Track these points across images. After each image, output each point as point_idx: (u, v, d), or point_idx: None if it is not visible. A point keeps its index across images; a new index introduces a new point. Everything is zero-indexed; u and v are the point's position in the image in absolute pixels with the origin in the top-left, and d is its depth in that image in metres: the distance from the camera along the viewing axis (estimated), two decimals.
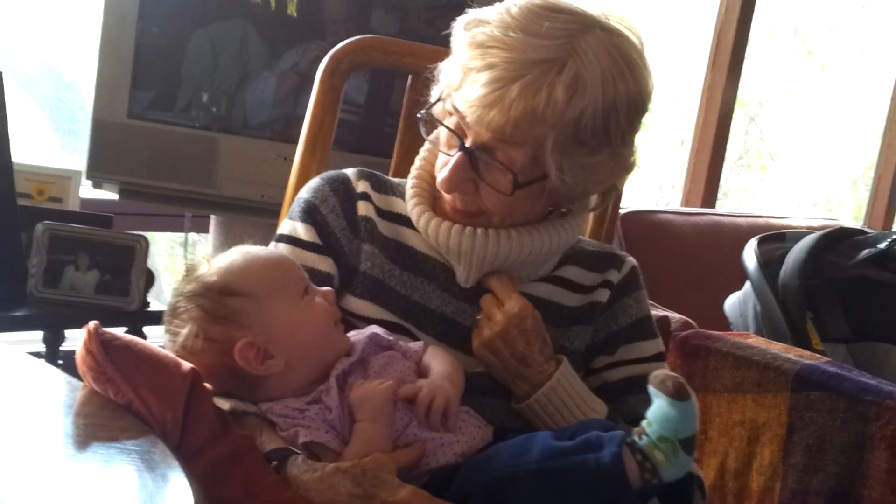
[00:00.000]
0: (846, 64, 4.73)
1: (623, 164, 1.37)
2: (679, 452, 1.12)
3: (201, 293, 1.25)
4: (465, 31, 1.32)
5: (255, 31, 2.15)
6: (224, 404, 1.23)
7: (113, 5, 2.07)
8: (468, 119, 1.29)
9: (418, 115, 1.40)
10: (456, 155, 1.32)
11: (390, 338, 1.33)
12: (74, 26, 2.68)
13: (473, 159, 1.31)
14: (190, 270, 1.30)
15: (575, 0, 1.34)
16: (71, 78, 2.86)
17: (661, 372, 1.15)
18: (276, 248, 1.42)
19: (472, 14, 1.33)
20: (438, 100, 1.37)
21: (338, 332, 1.30)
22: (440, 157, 1.38)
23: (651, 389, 1.14)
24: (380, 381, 1.24)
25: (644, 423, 1.14)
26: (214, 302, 1.25)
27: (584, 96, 1.27)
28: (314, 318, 1.27)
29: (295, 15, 2.16)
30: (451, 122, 1.34)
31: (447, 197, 1.37)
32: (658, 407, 1.13)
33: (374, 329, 1.33)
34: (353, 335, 1.33)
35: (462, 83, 1.30)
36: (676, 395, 1.12)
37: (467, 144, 1.31)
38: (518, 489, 1.16)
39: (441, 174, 1.35)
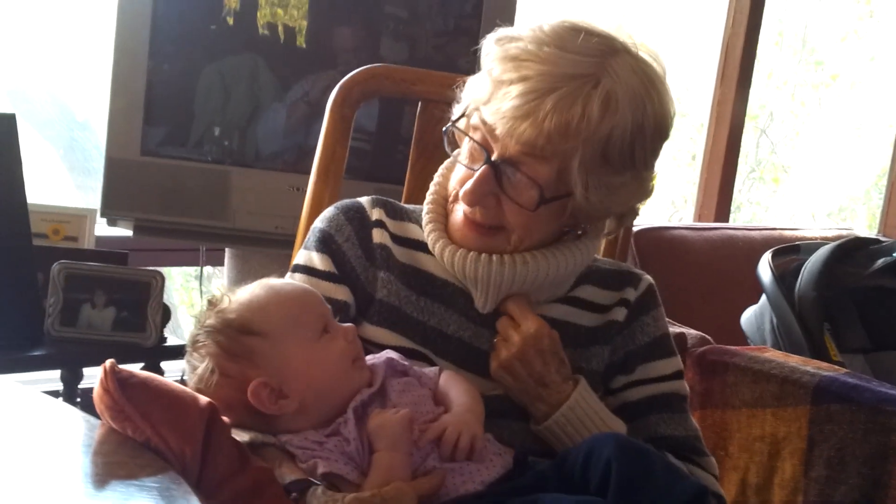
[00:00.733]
0: (856, 73, 4.72)
1: (644, 187, 1.38)
2: None
3: (220, 329, 1.26)
4: (496, 45, 1.33)
5: (264, 63, 2.17)
6: (243, 436, 1.24)
7: (123, 43, 2.09)
8: (498, 131, 1.29)
9: (444, 130, 1.40)
10: (481, 168, 1.32)
11: (405, 363, 1.33)
12: (86, 66, 2.71)
13: (498, 173, 1.32)
14: (212, 303, 1.30)
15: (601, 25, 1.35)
16: (84, 117, 2.88)
17: None
18: (292, 279, 1.43)
19: (502, 31, 1.34)
20: (462, 115, 1.37)
21: (356, 370, 1.29)
22: (460, 172, 1.38)
23: None
24: (396, 409, 1.24)
25: None
26: (231, 339, 1.25)
27: (616, 114, 1.28)
28: (330, 360, 1.27)
29: (304, 46, 2.17)
30: (476, 136, 1.34)
31: (466, 210, 1.37)
32: None
33: (390, 353, 1.33)
34: (369, 360, 1.33)
35: (492, 96, 1.30)
36: None
37: (493, 158, 1.31)
38: None
39: (464, 187, 1.34)
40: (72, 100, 2.85)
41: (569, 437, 1.35)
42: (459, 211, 1.38)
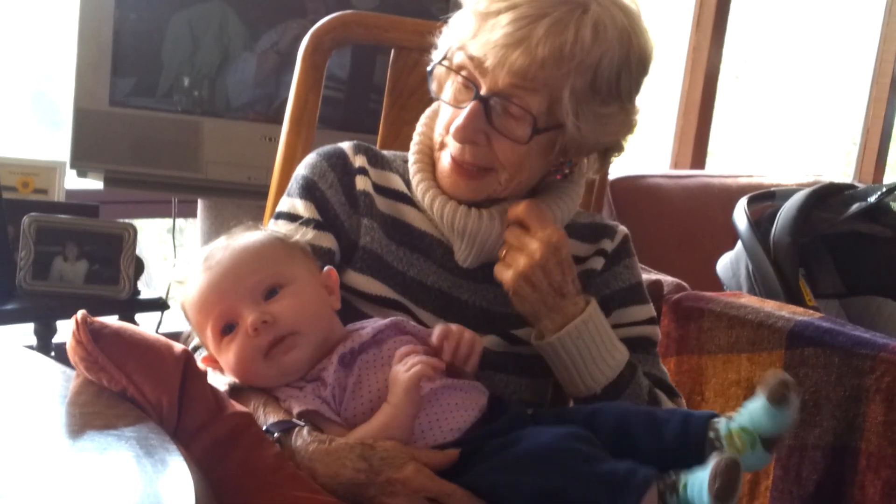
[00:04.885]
0: (832, 16, 4.71)
1: (629, 120, 1.38)
2: (757, 445, 1.10)
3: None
4: None
5: (233, 12, 2.14)
6: (226, 379, 1.25)
7: None
8: (488, 62, 1.27)
9: (428, 70, 1.38)
10: (470, 104, 1.31)
11: (416, 328, 1.30)
12: (53, 17, 2.67)
13: (488, 109, 1.30)
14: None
15: None
16: (51, 69, 2.84)
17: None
18: (276, 226, 1.41)
19: None
20: (444, 58, 1.36)
21: (270, 361, 1.22)
22: (446, 116, 1.36)
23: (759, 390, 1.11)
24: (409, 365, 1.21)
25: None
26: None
27: (606, 40, 1.28)
28: (229, 361, 1.23)
29: None
30: (462, 74, 1.32)
31: (455, 152, 1.35)
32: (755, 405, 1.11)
33: (401, 319, 1.30)
34: (368, 322, 1.30)
35: (479, 30, 1.29)
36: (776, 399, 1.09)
37: (482, 93, 1.30)
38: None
39: (455, 124, 1.32)
40: (39, 51, 2.81)
41: (578, 352, 1.33)
42: (446, 157, 1.37)
